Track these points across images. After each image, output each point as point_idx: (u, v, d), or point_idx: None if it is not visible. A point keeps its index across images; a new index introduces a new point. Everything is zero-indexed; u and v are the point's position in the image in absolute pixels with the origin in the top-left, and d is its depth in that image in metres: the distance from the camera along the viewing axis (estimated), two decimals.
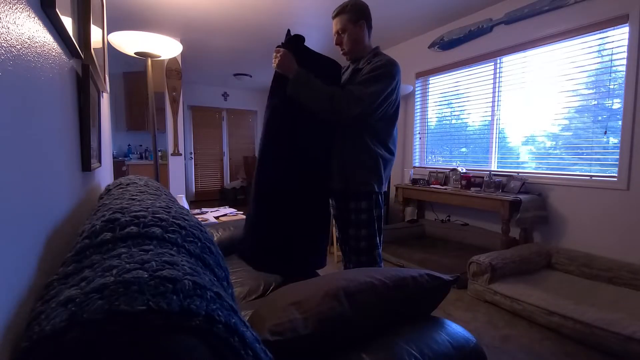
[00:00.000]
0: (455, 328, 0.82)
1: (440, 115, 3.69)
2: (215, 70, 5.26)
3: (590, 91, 2.43)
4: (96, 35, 1.21)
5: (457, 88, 3.42)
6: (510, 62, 2.91)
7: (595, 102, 2.41)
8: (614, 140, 2.30)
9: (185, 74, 5.05)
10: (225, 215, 2.74)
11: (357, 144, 1.43)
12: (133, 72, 4.88)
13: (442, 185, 3.20)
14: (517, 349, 1.65)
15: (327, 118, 1.39)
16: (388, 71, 1.38)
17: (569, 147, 2.58)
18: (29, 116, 0.49)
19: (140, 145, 5.46)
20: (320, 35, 3.68)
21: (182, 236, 0.59)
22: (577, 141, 2.52)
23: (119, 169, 4.47)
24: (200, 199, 6.39)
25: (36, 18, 0.54)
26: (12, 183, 0.41)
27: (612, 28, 2.26)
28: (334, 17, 1.49)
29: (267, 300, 0.82)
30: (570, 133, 2.57)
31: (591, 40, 2.39)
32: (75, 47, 0.81)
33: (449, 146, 3.60)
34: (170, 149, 3.96)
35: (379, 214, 1.49)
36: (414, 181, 3.35)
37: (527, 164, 2.86)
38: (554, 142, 2.69)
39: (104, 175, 1.86)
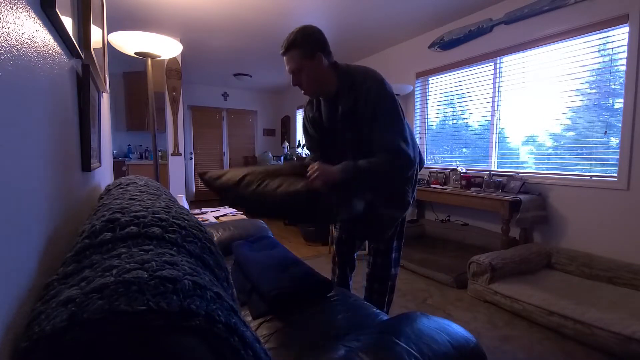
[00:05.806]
0: (455, 328, 0.82)
1: (440, 115, 3.69)
2: (215, 70, 5.25)
3: (591, 91, 2.43)
4: (96, 35, 1.21)
5: (457, 88, 3.42)
6: (510, 62, 2.91)
7: (596, 102, 2.41)
8: (614, 140, 2.30)
9: (185, 74, 5.04)
10: (225, 215, 2.74)
11: None
12: (133, 72, 4.87)
13: (442, 185, 3.19)
14: (517, 349, 1.65)
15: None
16: (388, 97, 1.19)
17: (569, 147, 2.58)
18: (28, 116, 0.49)
19: (140, 145, 5.46)
20: None
21: (182, 236, 0.59)
22: (578, 141, 2.52)
23: (119, 169, 4.47)
24: (200, 199, 6.38)
25: (36, 18, 0.54)
26: (12, 183, 0.41)
27: (612, 28, 2.26)
28: (283, 54, 1.21)
29: None
30: (571, 133, 2.56)
31: (591, 40, 2.39)
32: (75, 47, 0.81)
33: (449, 146, 3.60)
34: (170, 149, 3.95)
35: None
36: None
37: (527, 164, 2.86)
38: (554, 142, 2.68)
39: (104, 175, 1.86)
